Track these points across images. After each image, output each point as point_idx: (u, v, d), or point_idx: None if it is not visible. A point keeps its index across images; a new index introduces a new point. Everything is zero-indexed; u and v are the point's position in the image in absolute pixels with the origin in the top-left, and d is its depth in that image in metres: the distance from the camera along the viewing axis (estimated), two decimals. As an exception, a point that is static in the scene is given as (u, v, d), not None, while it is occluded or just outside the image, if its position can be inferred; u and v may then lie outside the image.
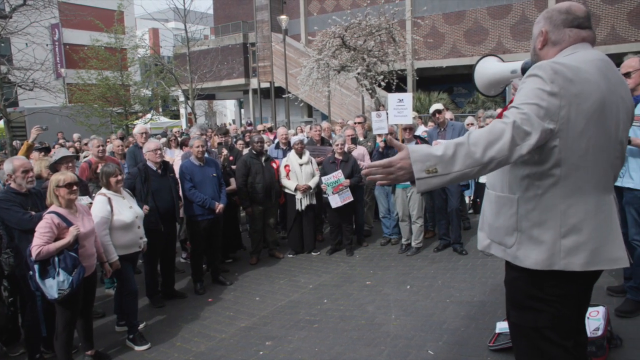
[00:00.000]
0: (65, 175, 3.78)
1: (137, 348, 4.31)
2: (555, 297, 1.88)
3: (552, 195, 1.82)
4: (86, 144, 10.50)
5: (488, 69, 2.47)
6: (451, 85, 22.49)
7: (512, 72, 2.31)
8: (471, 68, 2.62)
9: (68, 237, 3.62)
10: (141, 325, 4.64)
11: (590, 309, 3.28)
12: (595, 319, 3.20)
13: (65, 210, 3.75)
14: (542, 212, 1.84)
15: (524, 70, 2.27)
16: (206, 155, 5.89)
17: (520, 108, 1.71)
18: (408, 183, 6.14)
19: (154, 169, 5.31)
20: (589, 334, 3.06)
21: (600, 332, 3.11)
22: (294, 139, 6.97)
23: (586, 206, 1.82)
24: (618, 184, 3.51)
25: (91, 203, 4.47)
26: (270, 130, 12.50)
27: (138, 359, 4.21)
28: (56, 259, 3.56)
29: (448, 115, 7.33)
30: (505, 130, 1.65)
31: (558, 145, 1.76)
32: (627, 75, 3.47)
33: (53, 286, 3.54)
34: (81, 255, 3.73)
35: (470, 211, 7.75)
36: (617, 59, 3.51)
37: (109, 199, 4.35)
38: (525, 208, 1.87)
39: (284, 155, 7.07)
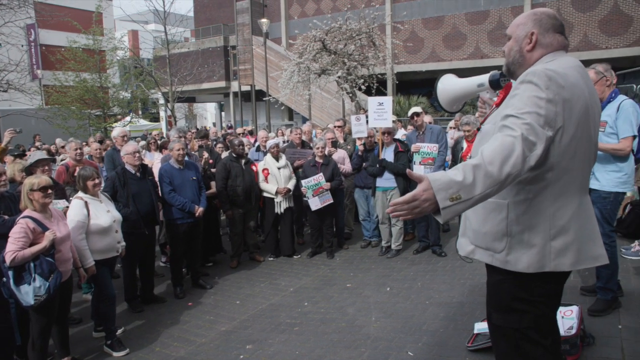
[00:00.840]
0: (39, 179, 3.71)
1: (115, 354, 4.24)
2: (541, 298, 1.93)
3: (542, 199, 1.86)
4: (63, 147, 10.32)
5: (452, 85, 2.48)
6: (430, 89, 22.53)
7: (479, 86, 2.33)
8: (450, 73, 2.64)
9: (44, 242, 3.55)
10: (119, 331, 4.58)
11: (564, 309, 3.36)
12: (569, 318, 3.28)
13: (39, 214, 3.67)
14: (533, 216, 1.87)
15: (491, 82, 2.28)
16: (186, 158, 5.85)
17: (523, 118, 1.71)
18: (389, 185, 6.12)
19: (133, 172, 5.25)
20: (563, 333, 3.14)
21: (574, 331, 3.18)
22: (269, 143, 6.97)
23: (572, 207, 1.88)
24: None
25: (67, 207, 4.39)
26: (251, 133, 12.46)
27: (116, 365, 4.16)
28: (32, 264, 3.49)
29: (427, 118, 7.43)
30: (515, 144, 1.65)
31: (552, 150, 1.79)
32: None
33: (29, 292, 3.46)
34: (57, 260, 3.66)
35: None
36: (587, 65, 3.63)
37: (86, 202, 4.28)
38: (516, 212, 1.89)
39: (265, 158, 7.07)
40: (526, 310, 1.93)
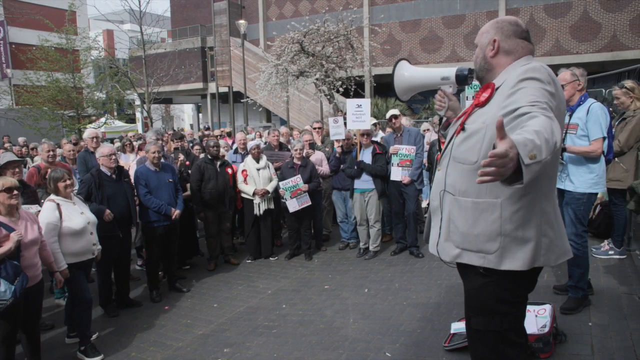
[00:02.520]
0: (4, 180, 3.59)
1: (88, 360, 4.15)
2: (520, 299, 1.98)
3: (534, 196, 1.89)
4: (33, 149, 10.07)
5: (414, 73, 2.41)
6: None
7: (443, 79, 2.27)
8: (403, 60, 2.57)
9: (9, 244, 3.43)
10: (94, 336, 4.48)
11: (537, 307, 3.44)
12: (542, 317, 3.35)
13: (5, 217, 3.56)
14: (526, 213, 1.88)
15: (458, 77, 2.23)
16: (162, 160, 5.77)
17: (541, 106, 1.69)
18: (366, 187, 6.07)
19: (108, 174, 5.15)
20: (536, 331, 3.21)
21: (547, 329, 3.25)
22: (250, 144, 6.94)
23: (553, 204, 1.94)
24: (560, 186, 3.74)
25: (39, 211, 4.27)
26: (229, 135, 12.37)
27: (89, 371, 4.07)
28: (-4, 268, 3.37)
29: (405, 121, 7.49)
30: (551, 122, 1.61)
31: None
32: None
33: (-7, 297, 3.34)
34: (24, 263, 3.55)
35: (426, 215, 7.93)
36: (557, 69, 3.74)
37: (58, 204, 4.18)
38: (510, 210, 1.88)
39: (243, 160, 7.02)
40: (508, 312, 1.96)
